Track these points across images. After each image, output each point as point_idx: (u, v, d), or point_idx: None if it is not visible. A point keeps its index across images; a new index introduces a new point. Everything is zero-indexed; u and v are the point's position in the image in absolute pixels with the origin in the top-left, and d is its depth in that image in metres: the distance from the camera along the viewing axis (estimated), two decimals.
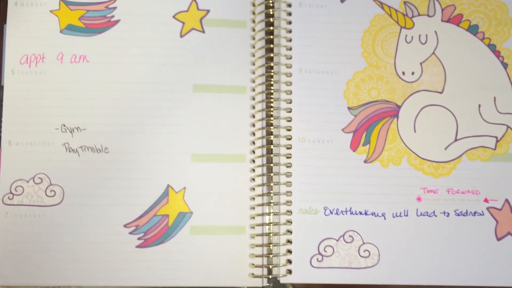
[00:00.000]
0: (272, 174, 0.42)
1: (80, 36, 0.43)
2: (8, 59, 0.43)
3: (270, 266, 0.41)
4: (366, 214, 0.43)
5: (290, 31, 0.45)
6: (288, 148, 0.43)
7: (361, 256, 0.42)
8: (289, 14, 0.45)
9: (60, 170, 0.42)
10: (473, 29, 0.45)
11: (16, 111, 0.42)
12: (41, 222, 0.41)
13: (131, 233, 0.42)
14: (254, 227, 0.42)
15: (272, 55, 0.44)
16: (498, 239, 0.42)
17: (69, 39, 0.43)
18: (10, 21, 0.43)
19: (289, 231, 0.42)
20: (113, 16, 0.44)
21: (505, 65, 0.44)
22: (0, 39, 0.43)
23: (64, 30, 0.44)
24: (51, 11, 0.44)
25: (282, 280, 0.42)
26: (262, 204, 0.42)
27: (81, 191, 0.42)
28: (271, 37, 0.44)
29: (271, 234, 0.42)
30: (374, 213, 0.43)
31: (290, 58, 0.44)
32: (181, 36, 0.44)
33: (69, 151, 0.42)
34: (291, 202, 0.42)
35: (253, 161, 0.43)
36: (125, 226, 0.41)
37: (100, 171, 0.42)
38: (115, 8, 0.44)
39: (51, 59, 0.43)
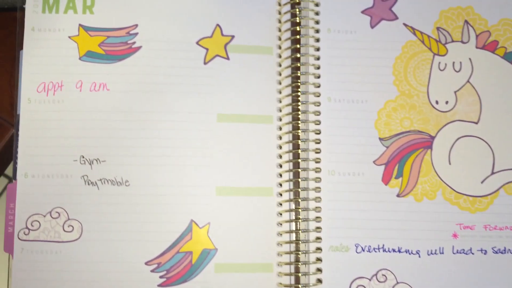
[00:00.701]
0: (300, 209, 0.41)
1: (100, 63, 0.42)
2: (25, 87, 0.41)
3: None
4: (399, 251, 0.40)
5: (318, 58, 0.43)
6: (317, 182, 0.41)
7: None
8: (317, 40, 0.43)
9: (78, 204, 0.40)
10: (509, 56, 0.43)
11: (33, 141, 0.40)
12: (58, 259, 0.39)
13: (152, 271, 0.39)
14: (281, 265, 0.40)
15: (299, 83, 0.42)
16: None
17: (88, 67, 0.41)
18: (26, 47, 0.41)
19: (319, 270, 0.40)
20: (134, 43, 0.42)
21: None
22: (17, 66, 0.42)
23: (83, 57, 0.42)
24: (69, 37, 0.42)
25: None
26: (290, 242, 0.40)
27: (100, 226, 0.40)
28: (298, 64, 0.43)
29: (300, 273, 0.40)
30: (408, 250, 0.40)
31: (319, 86, 0.42)
32: (205, 63, 0.42)
33: (88, 184, 0.40)
34: (321, 238, 0.40)
35: (280, 194, 0.41)
36: (146, 263, 0.39)
37: (121, 205, 0.40)
38: (136, 34, 0.42)
39: (69, 87, 0.41)
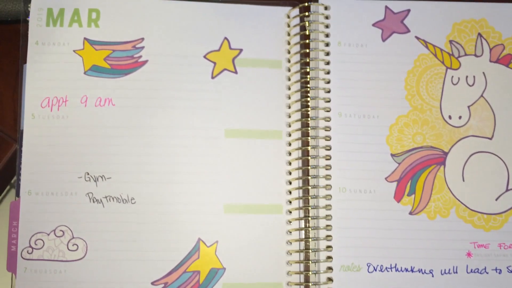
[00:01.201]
0: (310, 228, 0.40)
1: (106, 77, 0.41)
2: (28, 102, 0.40)
3: None
4: (412, 271, 0.39)
5: (328, 72, 0.42)
6: (327, 199, 0.40)
7: None
8: (327, 54, 0.42)
9: (83, 222, 0.39)
10: None
11: (37, 158, 0.39)
12: (62, 279, 0.38)
13: None
14: (291, 285, 0.39)
15: (309, 97, 0.41)
16: None
17: (93, 81, 0.40)
18: (30, 61, 0.40)
19: None
20: (140, 57, 0.41)
21: None
22: (20, 80, 0.41)
23: (88, 71, 0.41)
24: (74, 51, 0.41)
25: None
26: (300, 261, 0.39)
27: (106, 245, 0.39)
28: (308, 78, 0.42)
29: None
30: (421, 269, 0.39)
31: (329, 101, 0.41)
32: (212, 77, 0.41)
33: (93, 202, 0.39)
34: (332, 258, 0.39)
35: (290, 212, 0.40)
36: (153, 283, 0.38)
37: (126, 224, 0.39)
38: (142, 48, 0.41)
39: (74, 103, 0.40)
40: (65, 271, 0.39)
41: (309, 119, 0.41)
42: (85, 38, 0.41)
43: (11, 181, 0.46)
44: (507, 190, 0.41)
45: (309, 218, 0.40)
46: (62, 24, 0.41)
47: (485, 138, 0.41)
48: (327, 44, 0.42)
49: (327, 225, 0.40)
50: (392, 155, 0.41)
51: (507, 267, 0.40)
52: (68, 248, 0.39)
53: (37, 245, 0.39)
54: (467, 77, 0.42)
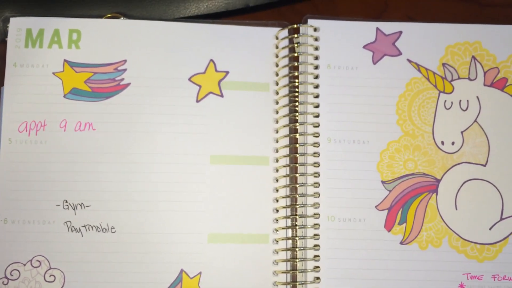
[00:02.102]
0: (298, 260, 0.38)
1: (86, 101, 0.39)
2: (5, 127, 0.39)
3: None
4: None
5: (317, 96, 0.40)
6: (315, 228, 0.39)
7: None
8: (316, 77, 0.41)
9: (61, 252, 0.37)
10: None
11: (13, 185, 0.38)
12: None
13: None
14: None
15: (297, 122, 0.40)
16: None
17: (73, 105, 0.39)
18: (8, 83, 0.39)
19: None
20: (122, 79, 0.40)
21: None
22: None
23: (68, 95, 0.39)
24: (54, 73, 0.39)
25: None
26: None
27: (84, 277, 0.37)
28: (297, 102, 0.40)
29: None
30: None
31: (318, 126, 0.40)
32: (197, 101, 0.40)
33: (71, 231, 0.38)
34: None
35: (277, 241, 0.39)
36: None
37: (106, 254, 0.37)
38: (125, 70, 0.40)
39: (53, 127, 0.39)
40: None
41: (297, 144, 0.40)
42: (65, 60, 0.40)
43: None
44: (501, 219, 0.39)
45: (297, 249, 0.38)
46: (41, 45, 0.40)
47: (479, 165, 0.40)
48: (316, 67, 0.41)
49: (315, 256, 0.38)
50: (383, 182, 0.40)
51: None
52: (45, 279, 0.37)
53: (12, 276, 0.37)
54: (460, 101, 0.41)
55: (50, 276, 0.38)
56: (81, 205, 0.38)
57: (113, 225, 0.38)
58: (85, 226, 0.38)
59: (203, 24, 0.41)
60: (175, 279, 0.38)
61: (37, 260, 0.38)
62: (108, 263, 0.38)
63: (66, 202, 0.38)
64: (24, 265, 0.38)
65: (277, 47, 0.41)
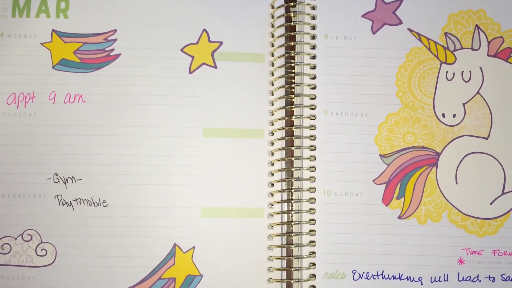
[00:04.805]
0: (293, 235, 0.38)
1: (75, 72, 0.38)
2: None
3: None
4: (400, 278, 0.37)
5: (314, 67, 0.39)
6: (311, 203, 0.38)
7: None
8: (313, 47, 0.39)
9: (52, 226, 0.37)
10: None
11: (2, 158, 0.37)
12: (30, 285, 0.36)
13: None
14: None
15: (293, 94, 0.39)
16: None
17: (62, 76, 0.38)
18: None
19: None
20: (112, 50, 0.39)
21: None
22: None
23: (56, 66, 0.38)
24: (42, 43, 0.38)
25: None
26: (282, 269, 0.37)
27: (76, 251, 0.37)
28: (293, 73, 0.39)
29: None
30: (410, 277, 0.37)
31: (314, 98, 0.39)
32: (190, 72, 0.39)
33: (62, 204, 0.37)
34: (315, 264, 0.37)
35: (272, 216, 0.38)
36: None
37: (97, 228, 0.37)
38: (115, 40, 0.39)
39: (42, 99, 0.38)
40: (33, 277, 0.37)
41: (293, 117, 0.39)
42: (53, 30, 0.39)
43: None
44: (503, 193, 0.38)
45: (292, 223, 0.38)
46: (28, 15, 0.39)
47: (481, 138, 0.39)
48: (313, 37, 0.39)
49: (311, 230, 0.37)
50: (381, 155, 0.39)
51: (501, 275, 0.37)
52: (36, 253, 0.37)
53: (3, 250, 0.37)
54: (462, 72, 0.40)
55: (41, 250, 0.37)
56: (72, 179, 0.37)
57: (105, 199, 0.37)
58: (76, 199, 0.37)
59: None
60: (168, 253, 0.37)
61: (28, 234, 0.37)
62: (100, 237, 0.37)
63: (57, 175, 0.37)
64: (15, 239, 0.37)
65: (272, 17, 0.40)
